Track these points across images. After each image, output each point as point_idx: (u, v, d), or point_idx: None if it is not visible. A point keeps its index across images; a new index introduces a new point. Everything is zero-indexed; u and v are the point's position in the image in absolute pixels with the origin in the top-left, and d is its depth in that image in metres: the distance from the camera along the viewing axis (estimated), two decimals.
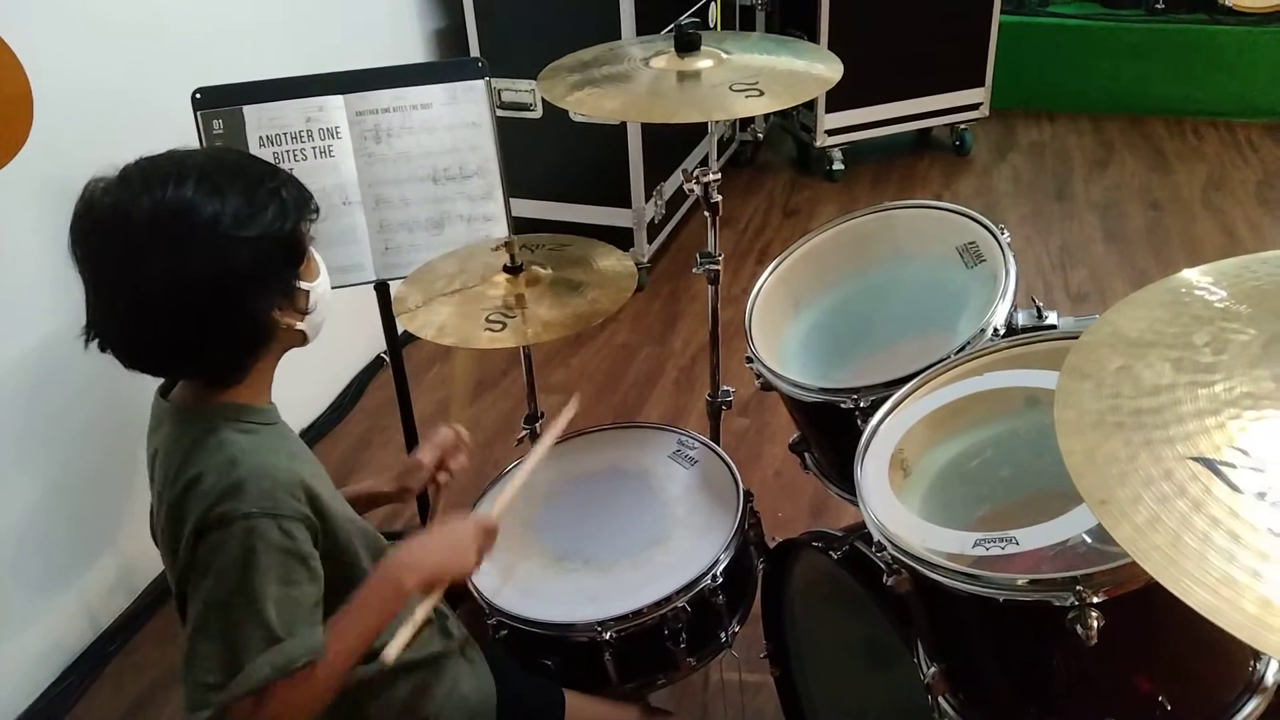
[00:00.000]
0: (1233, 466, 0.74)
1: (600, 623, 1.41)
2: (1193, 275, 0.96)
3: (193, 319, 1.08)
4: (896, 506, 1.19)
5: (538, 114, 3.26)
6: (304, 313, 1.18)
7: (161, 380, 1.22)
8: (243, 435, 1.13)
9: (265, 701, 1.05)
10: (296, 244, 1.15)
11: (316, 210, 1.20)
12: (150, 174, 1.07)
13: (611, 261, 1.77)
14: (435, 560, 1.22)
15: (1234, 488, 0.72)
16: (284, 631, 1.06)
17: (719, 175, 1.77)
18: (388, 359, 2.22)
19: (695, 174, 1.76)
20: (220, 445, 1.11)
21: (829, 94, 3.93)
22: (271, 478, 1.10)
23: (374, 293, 2.01)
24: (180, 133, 1.78)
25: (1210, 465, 0.74)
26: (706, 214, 1.81)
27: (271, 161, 1.35)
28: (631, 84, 1.68)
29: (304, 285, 1.17)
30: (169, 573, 1.15)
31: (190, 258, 1.05)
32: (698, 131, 3.77)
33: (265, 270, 1.11)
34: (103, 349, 1.10)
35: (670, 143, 3.53)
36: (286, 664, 1.05)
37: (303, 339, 1.21)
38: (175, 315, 1.07)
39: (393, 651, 1.17)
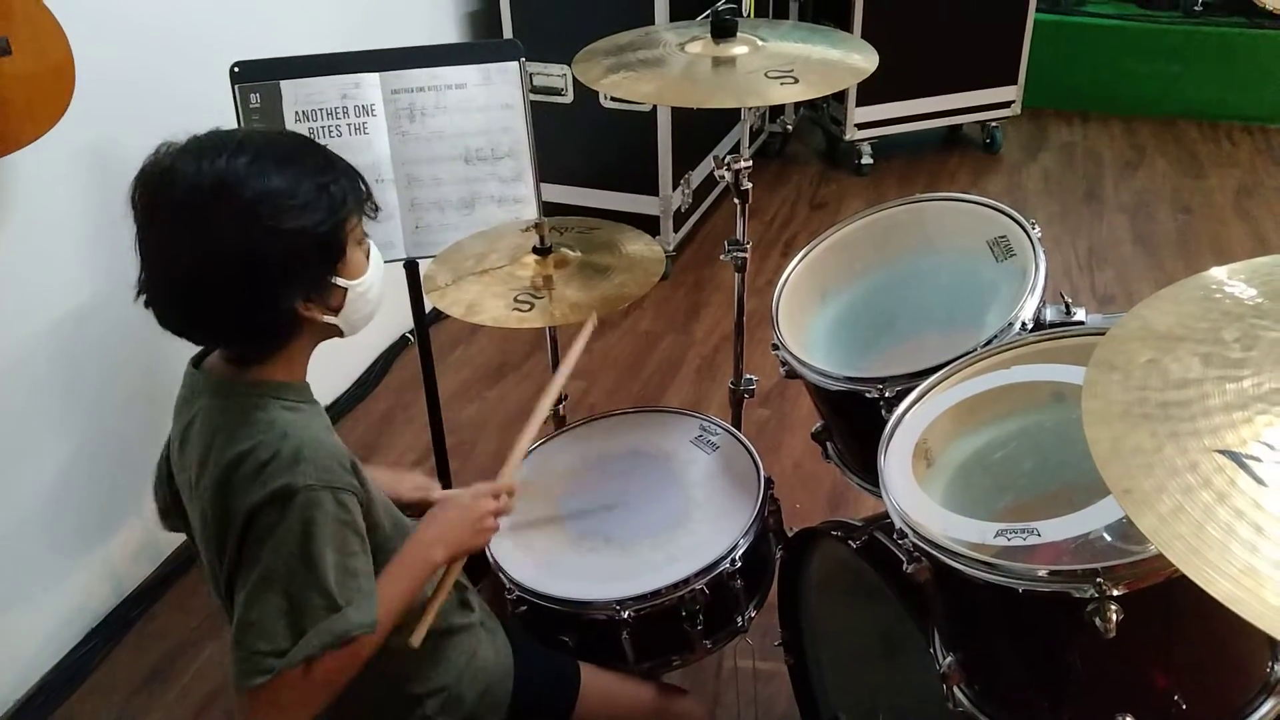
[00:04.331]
0: (1258, 460, 0.74)
1: (619, 601, 1.42)
2: (1224, 272, 0.96)
3: (215, 295, 1.09)
4: (919, 495, 1.20)
5: (568, 99, 3.27)
6: (335, 309, 1.17)
7: (194, 350, 1.24)
8: (290, 412, 1.15)
9: (314, 668, 1.08)
10: (334, 243, 1.14)
11: (376, 208, 1.20)
12: (208, 145, 1.09)
13: (639, 246, 1.78)
14: (457, 535, 1.28)
15: (1259, 481, 0.73)
16: (343, 599, 1.09)
17: (750, 163, 1.78)
18: (413, 338, 2.24)
19: (727, 161, 1.77)
20: (271, 422, 1.12)
21: (860, 87, 3.92)
22: (325, 451, 1.12)
23: (403, 270, 2.03)
24: (217, 106, 1.81)
25: (1236, 458, 0.75)
26: (736, 201, 1.82)
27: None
28: (667, 68, 1.69)
29: (341, 282, 1.16)
30: (201, 536, 1.16)
31: (220, 234, 1.06)
32: (727, 121, 3.76)
33: (294, 265, 1.10)
34: (147, 305, 1.12)
35: (699, 132, 3.53)
36: (345, 631, 1.08)
37: (337, 332, 1.20)
38: (200, 288, 1.09)
39: (419, 635, 1.22)
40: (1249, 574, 0.68)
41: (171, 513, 1.31)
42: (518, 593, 1.48)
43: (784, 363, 1.60)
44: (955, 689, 1.23)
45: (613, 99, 3.20)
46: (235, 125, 1.84)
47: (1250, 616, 0.66)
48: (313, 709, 1.11)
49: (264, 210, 1.07)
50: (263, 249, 1.07)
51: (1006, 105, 4.18)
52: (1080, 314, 1.41)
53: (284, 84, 1.86)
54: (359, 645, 1.11)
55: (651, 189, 3.36)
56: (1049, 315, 1.42)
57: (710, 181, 3.61)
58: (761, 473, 1.61)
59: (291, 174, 1.09)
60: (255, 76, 1.85)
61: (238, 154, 1.08)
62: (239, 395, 1.15)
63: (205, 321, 1.13)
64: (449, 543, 1.26)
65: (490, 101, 1.95)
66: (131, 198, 1.10)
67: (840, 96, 4.01)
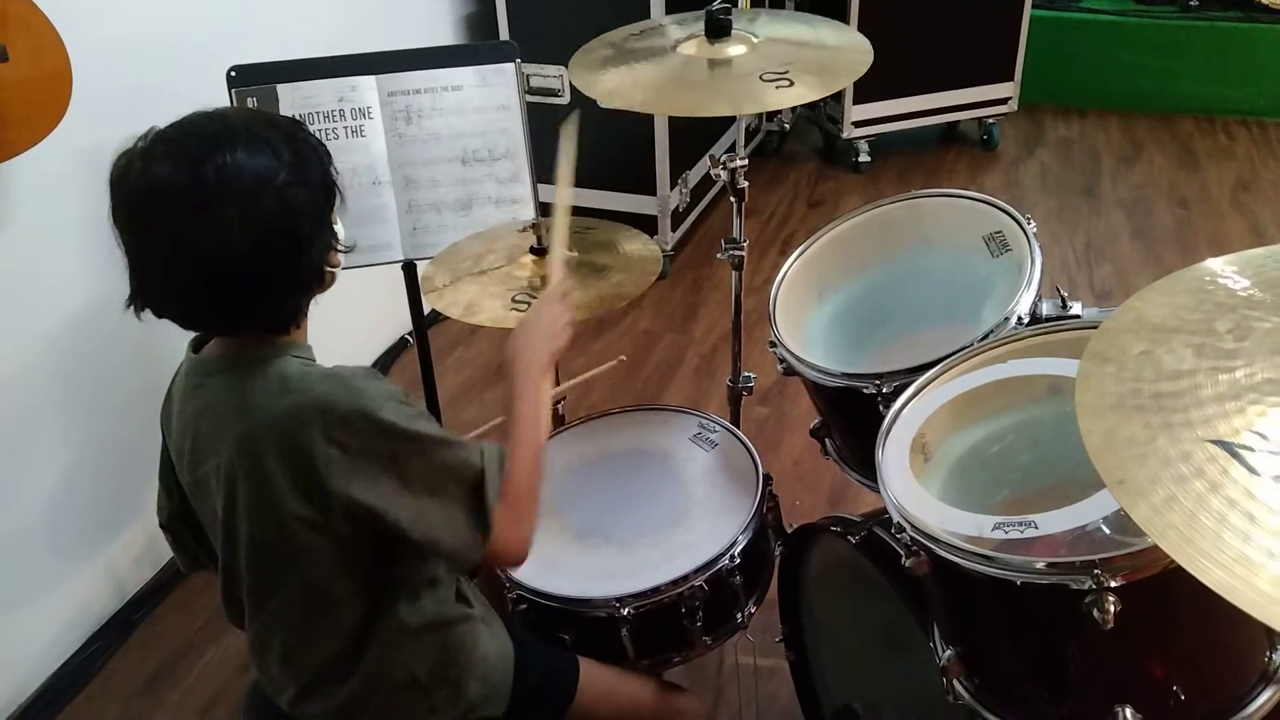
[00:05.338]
0: (1251, 450, 0.75)
1: (619, 598, 1.43)
2: (1217, 264, 0.96)
3: (269, 268, 1.11)
4: (917, 489, 1.20)
5: (565, 100, 3.27)
6: (340, 252, 1.23)
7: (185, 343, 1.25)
8: (311, 366, 1.18)
9: (509, 507, 1.19)
10: (334, 184, 1.19)
11: None
12: (201, 138, 1.09)
13: (637, 246, 1.78)
14: (546, 349, 1.36)
15: (1252, 470, 0.73)
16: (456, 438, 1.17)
17: (746, 162, 1.78)
18: (412, 340, 2.24)
19: (723, 160, 1.77)
20: (306, 373, 1.15)
21: (857, 85, 3.92)
22: (360, 374, 1.16)
23: (401, 272, 2.03)
24: None
25: (1228, 448, 0.75)
26: (733, 200, 1.82)
27: None
28: (662, 72, 1.68)
29: (336, 227, 1.22)
30: (256, 507, 1.16)
31: (263, 210, 1.09)
32: (724, 120, 3.77)
33: (319, 212, 1.16)
34: (158, 314, 1.13)
35: (696, 131, 3.53)
36: (500, 452, 1.20)
37: (331, 281, 1.24)
38: (256, 267, 1.11)
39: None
40: (1242, 562, 0.68)
41: (182, 533, 1.32)
42: (518, 591, 1.48)
43: (782, 360, 1.61)
44: (955, 682, 1.23)
45: None
46: None
47: (1243, 605, 0.66)
48: (531, 515, 1.23)
49: (284, 173, 1.10)
50: (297, 206, 1.12)
51: (1003, 102, 4.18)
52: (1076, 308, 1.41)
53: (280, 87, 1.86)
54: (513, 468, 1.21)
55: (649, 189, 3.36)
56: (1045, 310, 1.42)
57: (707, 180, 3.62)
58: (760, 470, 1.61)
59: (283, 136, 1.14)
60: (252, 80, 1.86)
61: (235, 135, 1.09)
62: (261, 361, 1.16)
63: (256, 300, 1.14)
64: (541, 358, 1.34)
65: (487, 103, 1.95)
66: (131, 213, 1.10)
67: (838, 95, 4.01)
